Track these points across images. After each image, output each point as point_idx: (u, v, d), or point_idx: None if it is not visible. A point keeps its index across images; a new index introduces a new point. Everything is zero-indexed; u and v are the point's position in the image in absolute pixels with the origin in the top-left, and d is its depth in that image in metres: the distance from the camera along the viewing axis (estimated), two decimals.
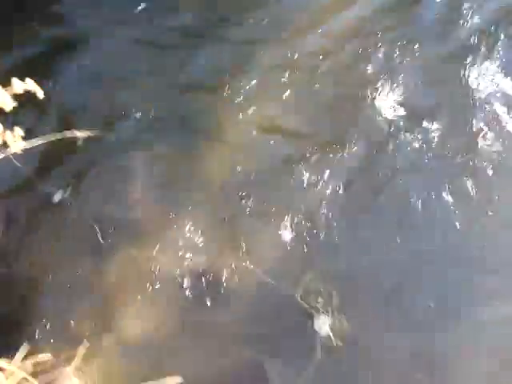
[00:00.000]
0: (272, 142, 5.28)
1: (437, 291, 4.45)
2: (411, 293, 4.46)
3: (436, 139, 5.13)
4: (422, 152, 5.09)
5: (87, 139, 5.10)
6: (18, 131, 3.09)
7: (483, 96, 5.32)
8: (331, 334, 4.21)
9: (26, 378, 3.43)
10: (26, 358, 3.64)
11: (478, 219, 4.73)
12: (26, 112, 5.06)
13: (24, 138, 3.59)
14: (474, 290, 4.44)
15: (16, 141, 3.08)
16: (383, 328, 4.30)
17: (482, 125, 5.15)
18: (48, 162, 5.12)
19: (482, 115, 5.21)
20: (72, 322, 4.35)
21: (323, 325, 4.26)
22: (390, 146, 5.13)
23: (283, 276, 4.51)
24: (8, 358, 3.80)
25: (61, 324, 4.33)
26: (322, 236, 4.75)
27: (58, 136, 4.62)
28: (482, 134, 5.10)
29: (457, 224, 4.70)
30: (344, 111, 5.40)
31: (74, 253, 4.71)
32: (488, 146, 5.05)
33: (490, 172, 4.92)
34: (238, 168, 5.13)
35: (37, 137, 4.55)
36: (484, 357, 4.10)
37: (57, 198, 4.94)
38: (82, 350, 3.69)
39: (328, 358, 4.14)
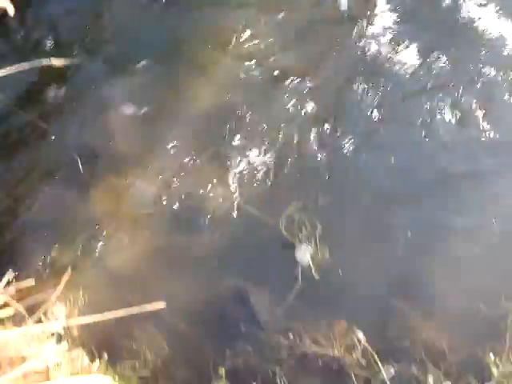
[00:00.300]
0: (255, 72, 5.23)
1: (415, 222, 4.49)
2: (390, 223, 4.50)
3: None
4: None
5: (68, 68, 5.00)
6: None
7: None
8: (312, 264, 4.26)
9: (8, 303, 3.45)
10: (9, 284, 3.64)
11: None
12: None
13: None
14: (450, 218, 4.48)
15: None
16: (363, 257, 4.35)
17: None
18: (26, 90, 5.02)
19: None
20: (55, 250, 4.35)
21: (304, 255, 4.30)
22: (367, 71, 5.11)
23: (266, 206, 4.54)
24: None
25: (44, 252, 4.33)
26: (305, 167, 4.77)
27: (35, 64, 4.49)
28: None
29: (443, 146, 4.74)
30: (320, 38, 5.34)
31: (54, 182, 4.68)
32: None
33: None
34: (220, 99, 5.09)
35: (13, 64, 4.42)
36: (460, 281, 4.16)
37: (36, 127, 4.85)
38: (65, 277, 3.70)
39: (308, 287, 4.20)
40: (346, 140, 4.84)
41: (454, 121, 4.87)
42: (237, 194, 4.62)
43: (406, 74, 5.14)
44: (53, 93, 5.08)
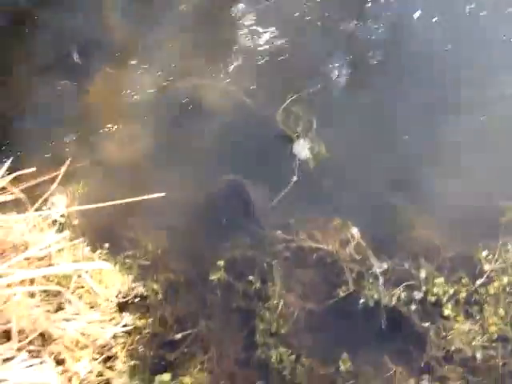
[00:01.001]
0: None
1: (415, 118, 4.47)
2: (389, 119, 4.50)
3: None
4: None
5: None
6: None
7: None
8: (310, 157, 4.27)
9: (9, 189, 3.48)
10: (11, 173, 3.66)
11: None
12: None
13: None
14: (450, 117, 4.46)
15: None
16: (361, 151, 4.37)
17: None
18: None
19: None
20: (53, 143, 4.34)
21: (302, 148, 4.30)
22: None
23: (264, 99, 4.50)
24: None
25: (45, 144, 4.32)
26: (302, 57, 4.67)
27: None
28: None
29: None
30: None
31: (52, 73, 4.57)
32: None
33: None
34: None
35: None
36: (456, 179, 4.18)
37: (31, 16, 4.69)
38: (64, 168, 3.72)
39: (305, 180, 4.25)
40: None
41: None
42: (235, 86, 4.55)
43: None
44: None
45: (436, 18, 4.74)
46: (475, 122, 4.36)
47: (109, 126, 4.40)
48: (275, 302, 3.82)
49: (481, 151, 4.26)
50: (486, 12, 4.72)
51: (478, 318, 3.70)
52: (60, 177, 3.70)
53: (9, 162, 3.64)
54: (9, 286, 3.21)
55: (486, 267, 3.79)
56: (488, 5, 4.74)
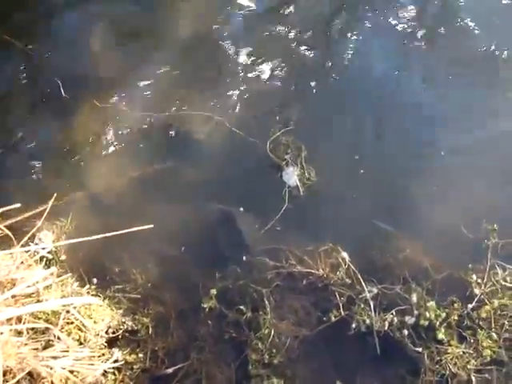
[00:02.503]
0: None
1: (402, 143, 4.50)
2: (377, 144, 4.52)
3: None
4: None
5: None
6: None
7: None
8: (299, 184, 4.27)
9: None
10: None
11: None
12: None
13: None
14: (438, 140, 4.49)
15: None
16: (348, 178, 4.38)
17: None
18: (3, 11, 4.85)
19: None
20: (40, 177, 4.34)
21: (291, 176, 4.31)
22: None
23: (253, 128, 4.51)
24: None
25: (31, 178, 4.31)
26: (291, 87, 4.73)
27: None
28: None
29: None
30: None
31: (38, 107, 4.60)
32: None
33: None
34: (201, 23, 5.02)
35: None
36: (443, 203, 4.20)
37: (17, 49, 4.72)
38: (51, 202, 3.71)
39: (294, 208, 4.23)
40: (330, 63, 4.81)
41: None
42: (223, 117, 4.56)
43: None
44: (31, 15, 4.91)
45: None
46: (461, 146, 4.38)
47: (96, 159, 4.39)
48: (267, 331, 3.78)
49: (467, 175, 4.27)
50: None
51: (471, 341, 3.66)
52: (46, 212, 3.69)
53: None
54: None
55: (477, 291, 3.77)
56: None
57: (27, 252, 3.67)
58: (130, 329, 3.81)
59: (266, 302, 3.87)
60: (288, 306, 3.90)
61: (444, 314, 3.74)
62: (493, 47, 4.84)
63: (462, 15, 4.99)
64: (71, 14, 4.98)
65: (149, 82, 4.71)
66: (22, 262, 3.66)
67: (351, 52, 4.89)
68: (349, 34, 4.99)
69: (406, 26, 5.01)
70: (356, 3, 5.19)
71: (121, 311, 3.83)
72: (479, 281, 3.81)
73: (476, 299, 3.76)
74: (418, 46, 4.91)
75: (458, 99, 4.64)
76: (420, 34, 4.96)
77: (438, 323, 3.73)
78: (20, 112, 4.59)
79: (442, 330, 3.71)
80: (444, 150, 4.41)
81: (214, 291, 3.89)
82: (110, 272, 4.00)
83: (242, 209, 4.25)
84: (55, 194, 3.89)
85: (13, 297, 3.42)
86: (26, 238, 3.58)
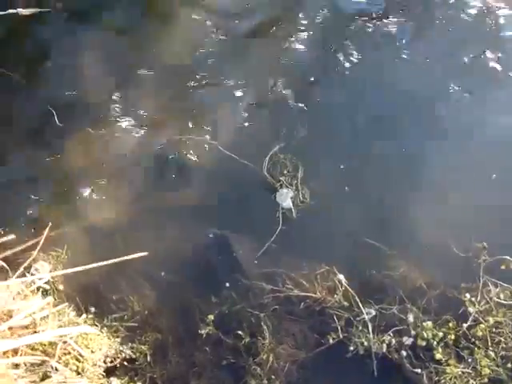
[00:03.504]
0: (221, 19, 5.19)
1: (393, 162, 4.52)
2: (369, 164, 4.52)
3: None
4: None
5: (36, 18, 4.86)
6: None
7: None
8: (292, 207, 4.28)
9: None
10: None
11: None
12: None
13: None
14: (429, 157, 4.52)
15: None
16: (342, 199, 4.38)
17: None
18: None
19: None
20: (35, 207, 4.33)
21: (286, 197, 4.32)
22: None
23: (247, 151, 4.52)
24: None
25: (24, 208, 4.31)
26: (285, 108, 4.75)
27: (1, 13, 4.37)
28: None
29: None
30: None
31: (32, 138, 4.62)
32: None
33: None
34: (193, 48, 5.04)
35: None
36: (435, 222, 4.20)
37: (6, 78, 4.75)
38: (46, 232, 3.72)
39: (289, 230, 4.23)
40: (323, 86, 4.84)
41: None
42: (216, 140, 4.58)
43: None
44: (22, 43, 4.95)
45: None
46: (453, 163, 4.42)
47: (91, 186, 4.41)
48: (265, 356, 3.77)
49: (459, 192, 4.29)
50: None
51: (469, 360, 3.66)
52: (41, 242, 3.70)
53: None
54: None
55: (471, 309, 3.78)
56: None
57: (23, 283, 3.67)
58: (127, 357, 3.80)
59: (264, 327, 3.87)
60: (286, 330, 3.90)
61: (441, 334, 3.74)
62: None
63: None
64: (61, 42, 4.98)
65: (140, 107, 4.72)
66: (19, 293, 3.66)
67: (349, 69, 4.92)
68: (345, 53, 5.01)
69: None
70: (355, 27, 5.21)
71: (118, 340, 3.83)
72: (473, 299, 3.82)
73: (471, 318, 3.76)
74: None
75: None
76: None
77: (435, 343, 3.74)
78: (14, 141, 4.60)
79: (440, 350, 3.72)
80: (437, 168, 4.42)
81: (211, 317, 3.90)
82: (106, 300, 4.00)
83: (235, 232, 4.24)
84: (50, 224, 3.91)
85: (9, 328, 3.42)
86: (21, 269, 3.58)
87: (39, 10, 4.80)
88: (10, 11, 4.50)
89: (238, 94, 4.80)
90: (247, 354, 3.81)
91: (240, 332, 3.86)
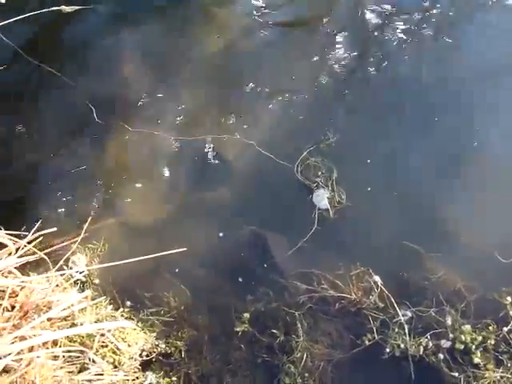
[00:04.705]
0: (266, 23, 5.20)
1: (432, 162, 4.47)
2: (407, 164, 4.49)
3: None
4: None
5: (76, 16, 4.93)
6: None
7: None
8: (329, 207, 4.26)
9: (34, 252, 3.52)
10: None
11: None
12: None
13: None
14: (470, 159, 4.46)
15: None
16: (379, 199, 4.35)
17: None
18: (37, 38, 4.98)
19: None
20: (75, 204, 4.39)
21: (322, 198, 4.31)
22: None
23: (283, 151, 4.52)
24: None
25: (65, 203, 4.37)
26: (319, 110, 4.75)
27: (45, 10, 4.45)
28: None
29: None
30: None
31: (72, 135, 4.68)
32: None
33: None
34: (232, 47, 5.07)
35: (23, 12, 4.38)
36: (476, 224, 4.16)
37: (49, 76, 4.82)
38: (85, 226, 3.76)
39: (325, 231, 4.22)
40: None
41: None
42: (252, 138, 4.59)
43: None
44: (63, 41, 5.03)
45: None
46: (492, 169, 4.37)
47: (128, 183, 4.45)
48: (299, 354, 3.76)
49: (500, 193, 4.23)
50: None
51: (509, 365, 3.61)
52: (81, 236, 3.74)
53: (38, 223, 3.67)
54: (31, 348, 3.20)
55: None
56: None
57: (62, 275, 3.71)
58: (163, 352, 3.82)
59: (299, 325, 3.86)
60: (321, 329, 3.89)
61: (480, 338, 3.69)
62: None
63: None
64: (101, 40, 5.05)
65: (178, 106, 4.75)
66: (57, 285, 3.71)
67: (386, 70, 4.90)
68: (385, 53, 4.99)
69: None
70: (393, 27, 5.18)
71: (154, 334, 3.85)
72: None
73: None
74: None
75: None
76: None
77: (473, 347, 3.68)
78: (54, 138, 4.66)
79: (479, 354, 3.66)
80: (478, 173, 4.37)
81: (246, 315, 3.90)
82: (142, 295, 4.02)
83: (272, 231, 4.24)
84: (89, 219, 3.95)
85: (48, 320, 3.46)
86: (61, 262, 3.62)
87: (82, 7, 4.84)
88: (53, 8, 4.55)
89: (275, 93, 4.78)
90: (281, 353, 3.80)
91: (275, 330, 3.85)
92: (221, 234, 4.24)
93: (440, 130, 4.56)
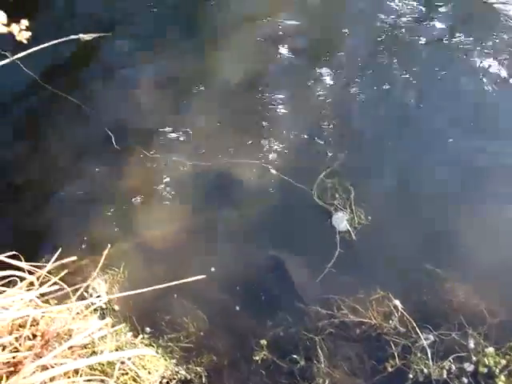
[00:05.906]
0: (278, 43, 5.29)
1: (451, 182, 4.49)
2: (425, 184, 4.52)
3: None
4: None
5: (94, 44, 5.01)
6: (24, 22, 2.98)
7: None
8: (350, 229, 4.25)
9: (55, 282, 3.53)
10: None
11: None
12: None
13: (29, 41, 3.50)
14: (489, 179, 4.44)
15: (22, 31, 2.97)
16: (398, 220, 4.37)
17: None
18: (57, 66, 5.06)
19: None
20: (93, 228, 4.41)
21: (341, 220, 4.30)
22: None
23: (299, 174, 4.55)
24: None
25: (83, 229, 4.39)
26: (335, 131, 4.78)
27: (63, 39, 4.52)
28: None
29: None
30: None
31: (90, 161, 4.71)
32: None
33: None
34: (246, 67, 5.16)
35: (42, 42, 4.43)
36: (495, 245, 4.15)
37: (67, 102, 4.88)
38: (105, 253, 3.77)
39: (347, 252, 4.21)
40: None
41: None
42: (268, 162, 4.62)
43: None
44: (81, 70, 5.11)
45: None
46: None
47: (147, 208, 4.47)
48: (321, 380, 3.73)
49: None
50: None
51: None
52: (101, 262, 3.75)
53: (58, 252, 3.69)
54: (53, 378, 3.20)
55: None
56: None
57: (82, 304, 3.72)
58: (183, 378, 3.80)
59: (319, 351, 3.83)
60: (342, 354, 3.85)
61: (504, 361, 3.63)
62: None
63: None
64: (120, 70, 5.13)
65: (196, 131, 4.79)
66: (78, 313, 3.71)
67: (399, 91, 4.93)
68: (398, 75, 5.02)
69: None
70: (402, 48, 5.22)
71: (174, 361, 3.84)
72: None
73: None
74: None
75: None
76: None
77: (497, 370, 3.62)
78: (73, 163, 4.70)
79: (503, 378, 3.61)
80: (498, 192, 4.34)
81: (264, 342, 3.87)
82: (162, 321, 4.01)
83: (291, 255, 4.22)
84: (109, 245, 3.97)
85: (69, 348, 3.46)
86: (81, 290, 3.63)
87: (100, 34, 4.91)
88: (72, 37, 4.63)
89: (290, 115, 4.81)
90: (302, 379, 3.77)
91: (295, 355, 3.82)
92: (239, 259, 4.23)
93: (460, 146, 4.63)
